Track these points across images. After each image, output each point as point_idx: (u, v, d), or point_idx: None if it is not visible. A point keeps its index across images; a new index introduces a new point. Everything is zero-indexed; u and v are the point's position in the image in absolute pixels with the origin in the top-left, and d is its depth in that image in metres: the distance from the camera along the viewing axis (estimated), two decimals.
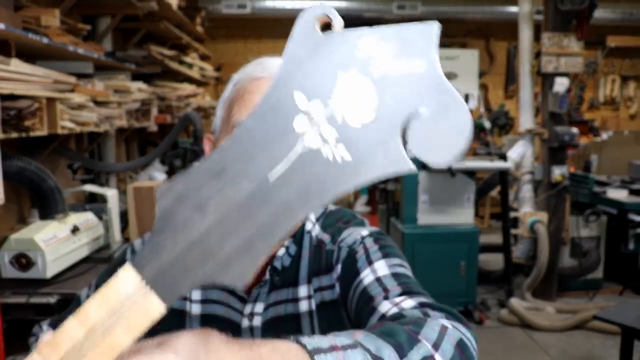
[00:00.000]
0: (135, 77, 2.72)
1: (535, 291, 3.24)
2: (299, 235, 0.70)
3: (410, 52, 0.31)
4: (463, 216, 3.01)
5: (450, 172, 2.95)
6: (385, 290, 0.60)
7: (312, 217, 0.73)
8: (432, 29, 0.32)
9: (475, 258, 3.04)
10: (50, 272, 1.43)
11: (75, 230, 1.58)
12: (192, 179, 0.33)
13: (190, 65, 3.65)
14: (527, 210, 3.32)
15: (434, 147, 0.31)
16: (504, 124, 3.98)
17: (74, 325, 0.33)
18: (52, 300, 1.37)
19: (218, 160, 0.33)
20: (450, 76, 4.52)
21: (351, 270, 0.64)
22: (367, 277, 0.63)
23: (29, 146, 1.87)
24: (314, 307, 0.67)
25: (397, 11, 4.95)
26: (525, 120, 3.38)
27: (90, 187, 1.90)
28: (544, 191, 3.30)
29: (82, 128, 1.79)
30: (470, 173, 3.04)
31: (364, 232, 0.68)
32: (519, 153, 3.33)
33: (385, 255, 0.64)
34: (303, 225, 0.71)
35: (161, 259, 0.33)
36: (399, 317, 0.53)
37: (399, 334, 0.45)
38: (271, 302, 0.67)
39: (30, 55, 1.70)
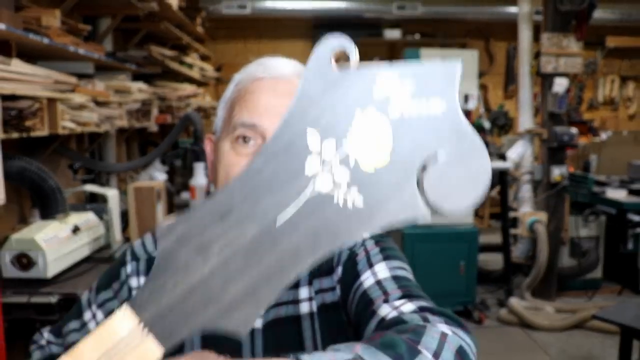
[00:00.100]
0: (136, 77, 2.73)
1: (534, 291, 3.24)
2: None
3: (430, 92, 0.30)
4: (462, 216, 3.02)
5: None
6: (385, 293, 0.59)
7: None
8: (454, 69, 0.30)
9: (475, 258, 3.04)
10: (51, 272, 1.43)
11: (76, 230, 1.59)
12: (196, 220, 0.32)
13: (190, 66, 3.66)
14: (527, 210, 3.33)
15: (450, 195, 0.30)
16: (503, 124, 3.99)
17: None
18: (53, 300, 1.38)
19: (224, 201, 0.32)
20: None
21: (352, 273, 0.64)
22: (367, 279, 0.62)
23: (30, 146, 1.87)
24: (315, 309, 0.67)
25: (397, 11, 4.96)
26: (525, 120, 3.39)
27: (91, 187, 1.90)
28: (543, 191, 3.30)
29: (82, 128, 1.79)
30: None
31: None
32: (519, 153, 3.33)
33: (385, 258, 0.64)
34: None
35: (161, 302, 0.32)
36: (398, 321, 0.53)
37: (399, 345, 0.44)
38: (271, 304, 0.67)
39: (31, 55, 1.70)
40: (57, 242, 1.49)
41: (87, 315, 0.75)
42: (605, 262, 3.47)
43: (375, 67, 0.30)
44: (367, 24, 5.23)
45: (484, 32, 5.49)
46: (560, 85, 3.12)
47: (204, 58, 4.59)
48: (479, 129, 3.52)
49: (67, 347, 0.75)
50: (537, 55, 3.24)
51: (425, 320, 0.52)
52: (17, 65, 1.41)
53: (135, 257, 0.75)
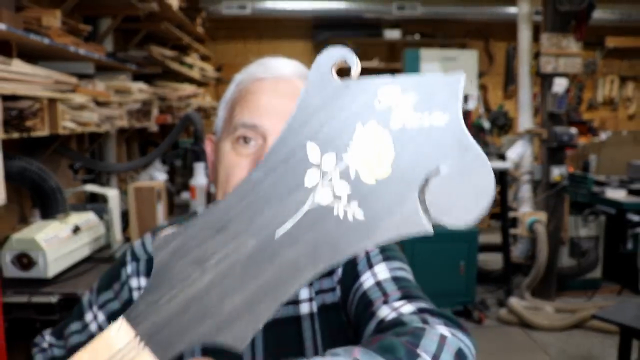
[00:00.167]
0: (136, 77, 2.73)
1: (534, 291, 3.25)
2: None
3: (432, 105, 0.29)
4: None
5: None
6: (385, 294, 0.59)
7: None
8: (457, 81, 0.29)
9: (475, 258, 3.05)
10: (51, 272, 1.44)
11: (76, 230, 1.59)
12: (193, 233, 0.31)
13: (190, 66, 3.66)
14: (526, 210, 3.33)
15: (453, 208, 0.29)
16: (503, 124, 3.99)
17: None
18: (54, 299, 1.38)
19: (221, 214, 0.31)
20: None
21: (351, 273, 0.64)
22: (367, 280, 0.63)
23: (31, 146, 1.87)
24: (315, 309, 0.67)
25: (397, 12, 4.96)
26: (524, 120, 3.39)
27: (91, 187, 1.90)
28: (543, 191, 3.31)
29: (83, 128, 1.79)
30: None
31: None
32: (518, 153, 3.34)
33: (386, 259, 0.64)
34: None
35: (157, 315, 0.31)
36: (397, 323, 0.53)
37: (397, 348, 0.44)
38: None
39: (32, 55, 1.71)
40: (58, 242, 1.49)
41: (89, 316, 0.75)
42: (604, 262, 3.47)
43: (377, 79, 0.30)
44: (367, 24, 5.24)
45: (484, 33, 5.49)
46: (559, 85, 3.13)
47: (204, 58, 4.59)
48: (479, 129, 3.52)
49: (69, 349, 0.75)
50: (536, 56, 3.24)
51: (425, 322, 0.52)
52: (18, 65, 1.42)
53: (135, 258, 0.75)
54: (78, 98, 1.72)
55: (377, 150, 0.30)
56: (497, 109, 4.32)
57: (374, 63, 5.18)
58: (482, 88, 5.50)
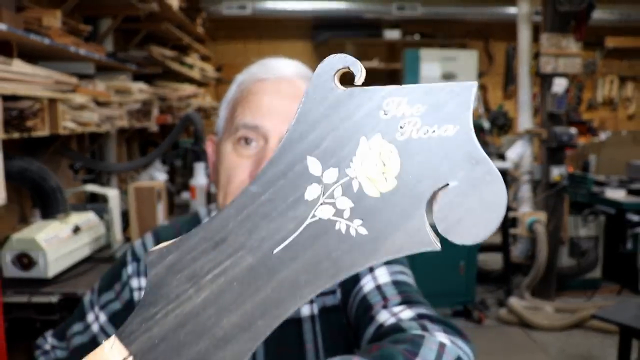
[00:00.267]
0: (136, 77, 2.73)
1: (534, 290, 3.25)
2: None
3: (441, 116, 0.28)
4: None
5: None
6: (385, 298, 0.59)
7: None
8: (468, 91, 0.27)
9: (475, 258, 3.05)
10: (51, 272, 1.44)
11: (76, 230, 1.59)
12: (188, 248, 0.30)
13: (191, 66, 3.66)
14: (526, 210, 3.33)
15: (462, 225, 0.27)
16: (502, 124, 4.00)
17: None
18: (54, 299, 1.38)
19: (218, 229, 0.30)
20: (449, 77, 4.55)
21: (352, 276, 0.64)
22: (367, 284, 0.62)
23: (31, 146, 1.88)
24: (315, 311, 0.67)
25: (397, 12, 4.97)
26: (524, 120, 3.40)
27: (91, 187, 1.90)
28: (543, 191, 3.31)
29: (83, 128, 1.80)
30: None
31: None
32: (518, 153, 3.34)
33: (386, 262, 0.64)
34: None
35: (151, 333, 0.30)
36: (396, 329, 0.53)
37: (396, 358, 0.44)
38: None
39: (32, 55, 1.71)
40: (58, 241, 1.49)
41: (90, 317, 0.75)
42: (604, 262, 3.48)
43: (383, 88, 0.28)
44: (366, 24, 5.24)
45: (484, 33, 5.50)
46: (559, 85, 3.13)
47: (204, 58, 4.59)
48: (479, 129, 3.53)
49: (72, 350, 0.75)
50: (536, 56, 3.24)
51: (424, 328, 0.51)
52: (18, 65, 1.42)
53: (136, 258, 0.75)
54: (78, 98, 1.72)
55: (382, 163, 0.28)
56: (497, 109, 4.33)
57: (374, 63, 5.18)
58: (482, 88, 5.50)
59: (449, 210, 0.28)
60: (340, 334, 0.66)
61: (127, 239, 1.94)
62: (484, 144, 3.40)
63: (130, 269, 0.74)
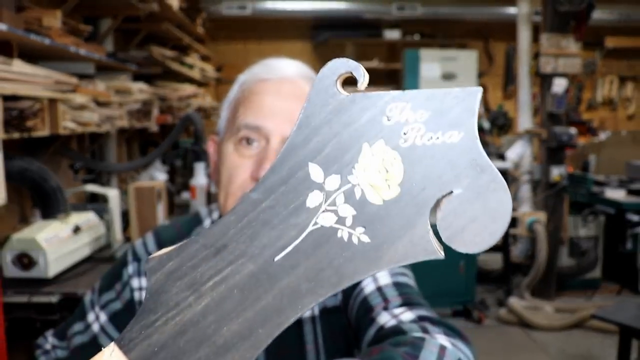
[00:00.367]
0: (137, 77, 2.73)
1: (533, 290, 3.25)
2: None
3: (446, 122, 0.27)
4: None
5: None
6: (386, 300, 0.59)
7: None
8: (473, 97, 0.27)
9: (474, 257, 3.05)
10: (52, 272, 1.44)
11: (76, 229, 1.59)
12: (188, 255, 0.30)
13: (191, 66, 3.67)
14: (526, 210, 3.33)
15: (466, 233, 0.27)
16: (502, 124, 4.00)
17: None
18: (54, 299, 1.38)
19: (219, 236, 0.30)
20: (449, 77, 4.55)
21: None
22: (368, 285, 0.62)
23: (31, 146, 1.88)
24: (316, 312, 0.67)
25: (397, 12, 4.97)
26: (524, 120, 3.40)
27: (91, 187, 1.91)
28: (543, 191, 3.31)
29: (83, 128, 1.80)
30: None
31: None
32: (518, 153, 3.34)
33: None
34: None
35: (150, 340, 0.30)
36: (397, 331, 0.53)
37: None
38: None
39: (32, 56, 1.71)
40: (58, 241, 1.49)
41: (91, 317, 0.75)
42: (604, 261, 3.48)
43: (386, 94, 0.28)
44: (366, 24, 5.24)
45: (483, 33, 5.50)
46: (559, 85, 3.13)
47: (204, 58, 4.59)
48: (479, 129, 3.53)
49: (72, 350, 0.75)
50: (536, 56, 3.25)
51: (425, 330, 0.51)
52: (19, 65, 1.42)
53: (136, 258, 0.75)
54: (78, 98, 1.73)
55: (385, 170, 0.28)
56: (497, 109, 4.33)
57: (374, 63, 5.18)
58: (482, 88, 5.51)
59: (453, 218, 0.27)
60: (341, 335, 0.66)
61: (127, 239, 1.95)
62: (484, 144, 3.40)
63: (131, 268, 0.74)
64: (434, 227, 0.27)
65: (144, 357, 0.30)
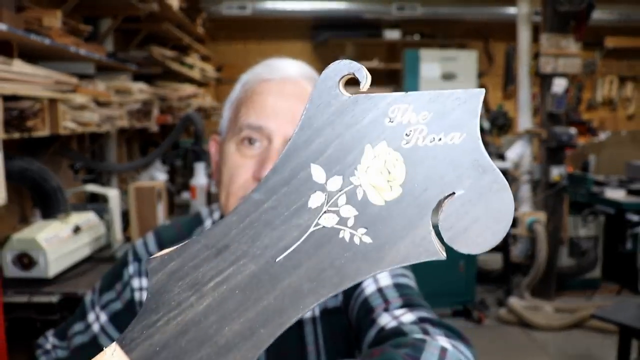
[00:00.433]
0: (137, 77, 2.74)
1: (533, 290, 3.25)
2: None
3: (448, 123, 0.27)
4: None
5: None
6: (386, 301, 0.59)
7: None
8: (475, 98, 0.27)
9: (474, 257, 3.05)
10: (52, 272, 1.44)
11: (77, 229, 1.59)
12: (190, 255, 0.30)
13: (191, 66, 3.67)
14: (526, 210, 3.34)
15: (468, 234, 0.27)
16: (502, 124, 4.00)
17: None
18: (54, 299, 1.38)
19: (221, 236, 0.30)
20: (449, 77, 4.56)
21: None
22: (368, 286, 0.62)
23: (31, 146, 1.88)
24: (317, 313, 0.67)
25: (397, 12, 4.97)
26: (524, 120, 3.40)
27: (92, 187, 1.91)
28: (543, 191, 3.32)
29: (83, 128, 1.80)
30: None
31: None
32: (518, 153, 3.34)
33: None
34: None
35: (152, 340, 0.30)
36: (397, 332, 0.53)
37: None
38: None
39: (32, 56, 1.71)
40: (58, 241, 1.49)
41: (91, 317, 0.75)
42: (604, 261, 3.48)
43: (388, 95, 0.28)
44: (366, 24, 5.24)
45: (483, 33, 5.50)
46: (559, 85, 3.14)
47: (204, 59, 4.60)
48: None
49: (72, 350, 0.75)
50: (536, 56, 3.25)
51: (426, 332, 0.51)
52: (19, 65, 1.42)
53: (137, 258, 0.75)
54: (79, 98, 1.73)
55: (387, 171, 0.28)
56: (497, 109, 4.33)
57: (374, 63, 5.18)
58: (484, 90, 5.51)
59: (455, 219, 0.27)
60: (341, 335, 0.66)
61: (128, 239, 1.95)
62: (484, 144, 3.40)
63: (131, 268, 0.74)
64: (436, 228, 0.27)
65: (146, 356, 0.30)
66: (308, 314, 0.66)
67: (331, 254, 0.29)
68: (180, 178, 2.89)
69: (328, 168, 0.29)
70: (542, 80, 3.23)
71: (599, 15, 4.54)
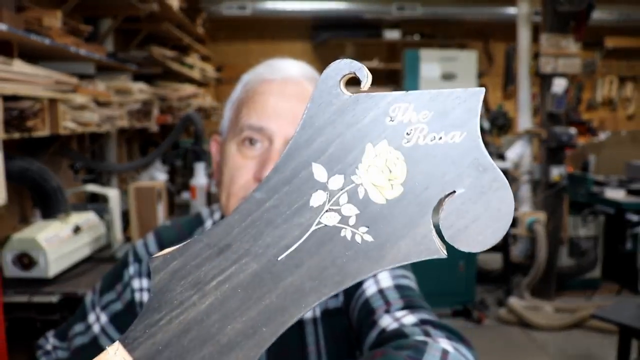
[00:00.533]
0: (137, 77, 2.74)
1: (533, 290, 3.26)
2: None
3: (448, 122, 0.28)
4: None
5: None
6: (387, 303, 0.59)
7: None
8: (475, 97, 0.28)
9: (474, 257, 3.05)
10: (52, 272, 1.44)
11: (77, 229, 1.59)
12: (192, 254, 0.30)
13: (191, 66, 3.67)
14: (526, 210, 3.34)
15: (468, 232, 0.28)
16: (502, 124, 4.00)
17: None
18: (54, 299, 1.38)
19: (222, 235, 0.30)
20: (449, 77, 4.56)
21: None
22: (369, 287, 0.62)
23: (31, 146, 1.88)
24: (318, 314, 0.66)
25: (397, 12, 4.97)
26: (524, 120, 3.40)
27: (92, 187, 1.91)
28: (542, 191, 3.32)
29: (84, 128, 1.80)
30: None
31: None
32: (518, 153, 3.35)
33: None
34: None
35: (155, 339, 0.30)
36: (399, 334, 0.52)
37: None
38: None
39: (33, 56, 1.71)
40: (58, 241, 1.49)
41: (91, 317, 0.75)
42: (604, 261, 3.48)
43: (389, 94, 0.28)
44: (366, 24, 5.24)
45: (483, 33, 5.51)
46: (559, 85, 3.14)
47: (204, 59, 4.60)
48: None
49: (73, 350, 0.75)
50: (536, 56, 3.25)
51: (427, 334, 0.51)
52: (19, 65, 1.42)
53: (137, 258, 0.75)
54: (79, 98, 1.73)
55: (388, 170, 0.28)
56: (497, 109, 4.33)
57: (374, 63, 5.18)
58: (484, 89, 5.51)
59: (456, 218, 0.28)
60: (342, 336, 0.66)
61: (128, 239, 1.95)
62: (484, 144, 3.41)
63: (132, 269, 0.74)
64: (437, 227, 0.27)
65: (148, 355, 0.30)
66: (309, 315, 0.66)
67: (333, 252, 0.29)
68: (180, 178, 2.89)
69: (329, 167, 0.29)
70: (542, 80, 3.23)
71: (598, 15, 4.54)
